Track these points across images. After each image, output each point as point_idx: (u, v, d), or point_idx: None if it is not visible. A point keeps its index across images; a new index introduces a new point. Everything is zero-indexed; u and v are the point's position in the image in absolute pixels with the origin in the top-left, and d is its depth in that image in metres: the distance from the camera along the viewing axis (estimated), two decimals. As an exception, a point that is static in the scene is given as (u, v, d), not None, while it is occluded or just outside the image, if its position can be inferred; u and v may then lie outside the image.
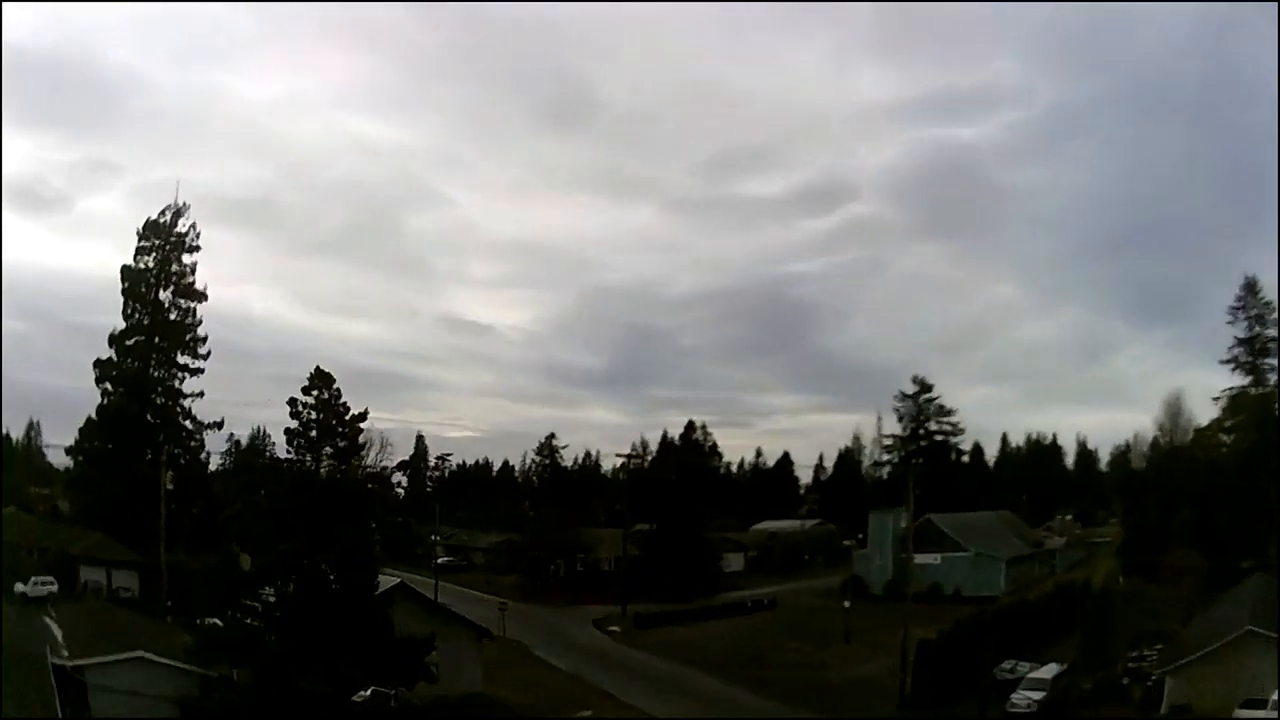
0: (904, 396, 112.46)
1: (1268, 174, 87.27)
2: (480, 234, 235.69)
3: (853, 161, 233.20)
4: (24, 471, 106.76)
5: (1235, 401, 73.35)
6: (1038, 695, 44.74)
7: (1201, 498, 67.03)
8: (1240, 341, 74.31)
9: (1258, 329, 73.66)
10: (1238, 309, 74.74)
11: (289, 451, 42.96)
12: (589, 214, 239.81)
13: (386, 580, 45.83)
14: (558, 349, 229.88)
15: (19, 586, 54.31)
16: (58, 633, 41.86)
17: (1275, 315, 73.22)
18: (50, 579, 55.88)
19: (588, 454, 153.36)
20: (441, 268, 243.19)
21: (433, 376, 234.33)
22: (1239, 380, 74.22)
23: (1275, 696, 36.93)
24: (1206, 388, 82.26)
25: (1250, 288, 74.47)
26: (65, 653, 38.21)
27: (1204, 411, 80.00)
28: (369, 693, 40.66)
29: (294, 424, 42.06)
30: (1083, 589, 66.12)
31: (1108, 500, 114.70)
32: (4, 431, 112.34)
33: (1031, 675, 47.18)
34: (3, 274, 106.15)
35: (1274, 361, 72.74)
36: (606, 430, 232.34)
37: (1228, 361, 74.67)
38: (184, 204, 75.88)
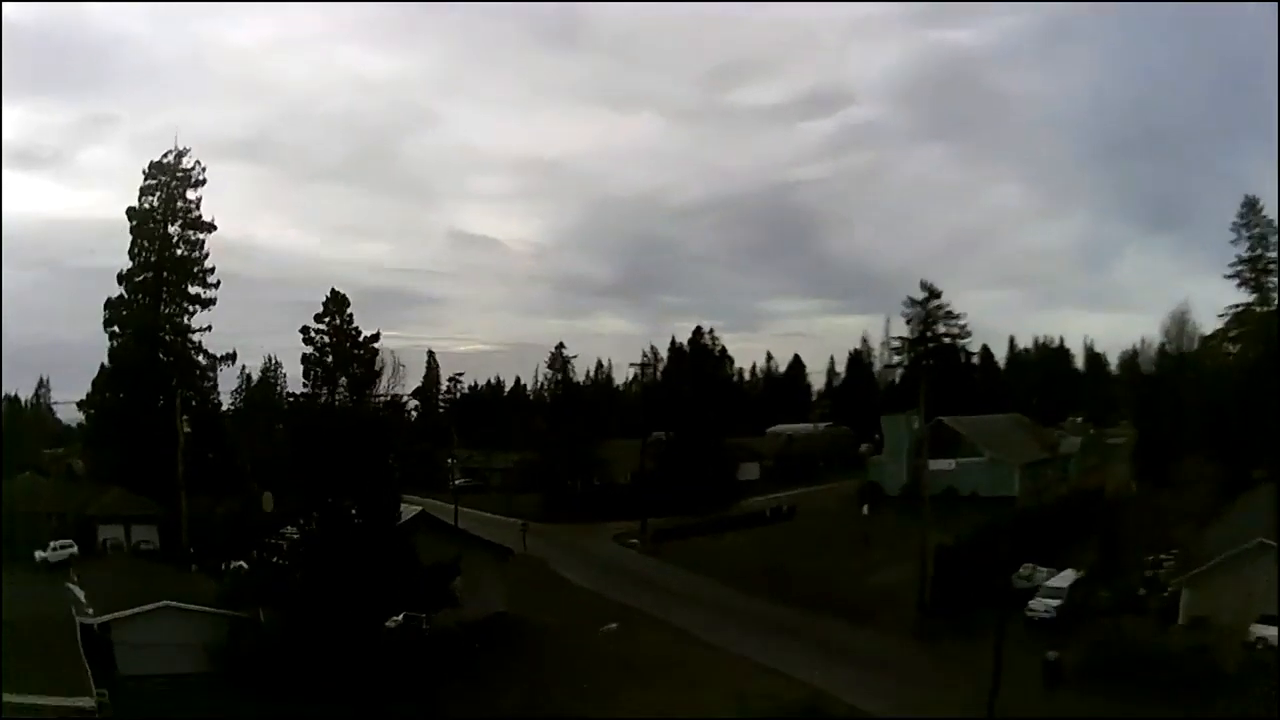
0: (912, 302, 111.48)
1: (1267, 82, 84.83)
2: (483, 152, 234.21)
3: (850, 67, 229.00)
4: (35, 433, 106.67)
5: (1240, 317, 72.89)
6: (1055, 603, 45.28)
7: (1212, 406, 66.95)
8: (1243, 260, 73.63)
9: (1260, 250, 72.69)
10: (1240, 226, 73.81)
11: (304, 382, 42.88)
12: (591, 127, 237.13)
13: (407, 510, 46.26)
14: (565, 260, 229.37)
15: (38, 553, 54.92)
16: (80, 595, 42.43)
17: (1276, 236, 72.28)
18: (69, 541, 56.37)
19: (599, 364, 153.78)
20: (445, 187, 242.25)
21: (441, 293, 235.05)
22: (1244, 296, 74.02)
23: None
24: (1210, 294, 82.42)
25: (1251, 206, 73.53)
26: (90, 611, 38.71)
27: (1209, 321, 79.97)
28: (401, 618, 41.36)
29: (309, 350, 42.00)
30: (1097, 494, 66.69)
31: (1118, 404, 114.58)
32: (5, 393, 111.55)
33: (1049, 583, 47.67)
34: (2, 228, 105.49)
35: (1277, 280, 72.14)
36: (616, 340, 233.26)
37: (1232, 277, 74.14)
38: (186, 146, 75.19)
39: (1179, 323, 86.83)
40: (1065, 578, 48.05)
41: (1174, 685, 34.28)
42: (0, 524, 54.99)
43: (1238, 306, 74.71)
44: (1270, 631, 37.53)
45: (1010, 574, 49.67)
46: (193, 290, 73.96)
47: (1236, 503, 53.33)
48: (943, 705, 34.78)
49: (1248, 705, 32.73)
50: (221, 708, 34.96)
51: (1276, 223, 72.41)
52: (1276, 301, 73.05)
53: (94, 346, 73.82)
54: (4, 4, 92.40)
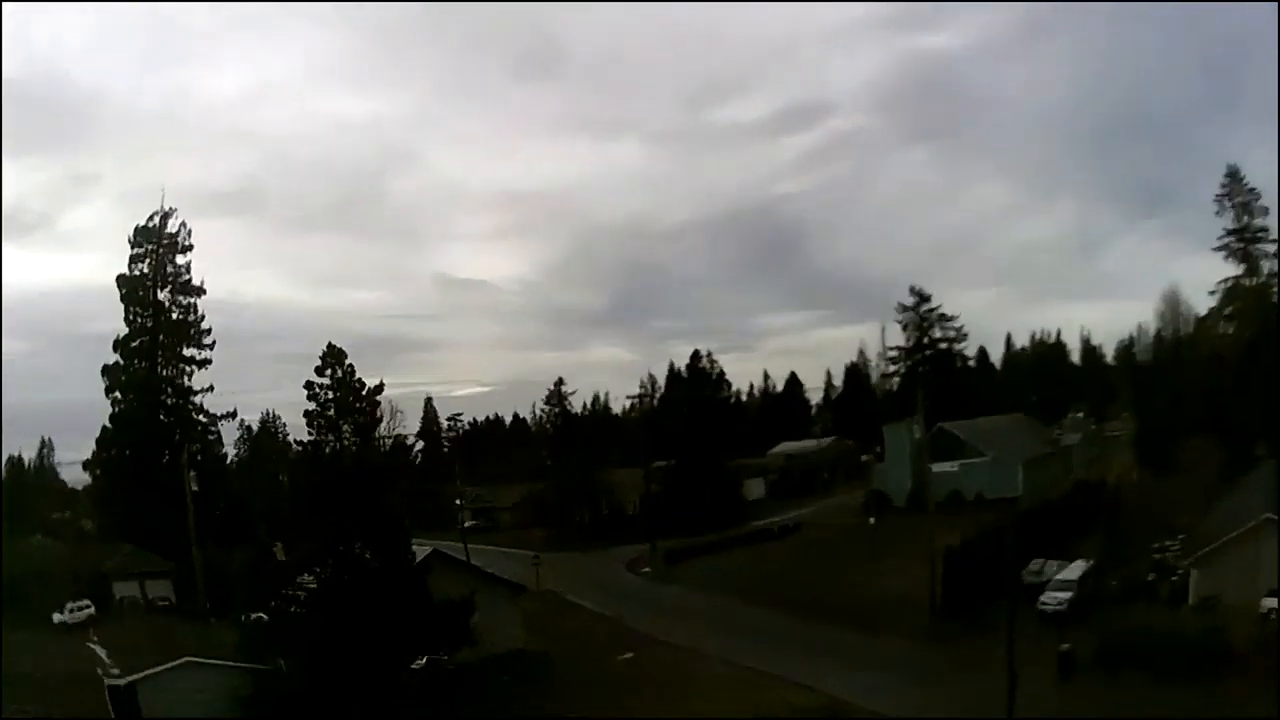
0: (904, 308, 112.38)
1: (1244, 58, 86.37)
2: (466, 191, 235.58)
3: (829, 78, 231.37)
4: (41, 495, 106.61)
5: (1231, 291, 73.42)
6: (1066, 595, 45.60)
7: (1210, 388, 67.42)
8: (1230, 231, 74.44)
9: (1246, 218, 73.45)
10: (1223, 198, 74.52)
11: (309, 433, 43.39)
12: (573, 158, 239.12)
13: (420, 550, 46.64)
14: (556, 293, 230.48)
15: (56, 616, 54.96)
16: (103, 655, 42.56)
17: (1262, 203, 73.24)
18: (86, 602, 56.33)
19: (596, 397, 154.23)
20: (431, 229, 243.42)
21: (434, 337, 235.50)
22: (1232, 269, 74.52)
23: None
24: (1203, 274, 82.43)
25: (1234, 176, 74.31)
26: (116, 672, 38.94)
27: (1202, 301, 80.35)
28: (424, 661, 41.60)
29: (311, 406, 42.51)
30: (1100, 485, 67.11)
31: (1117, 394, 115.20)
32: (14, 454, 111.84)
33: (1059, 576, 47.98)
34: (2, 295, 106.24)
35: (1266, 249, 72.67)
36: (613, 368, 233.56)
37: (1220, 249, 74.66)
38: (171, 208, 76.33)
39: (1172, 305, 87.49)
40: (1074, 569, 48.39)
41: (1187, 666, 34.50)
42: (1, 583, 54.94)
43: (1228, 280, 75.14)
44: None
45: (1019, 570, 50.15)
46: (188, 352, 75.10)
47: (1239, 482, 53.80)
48: (960, 704, 35.02)
49: (1261, 680, 32.78)
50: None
51: (1266, 196, 73.13)
52: (1266, 271, 73.51)
53: (93, 408, 74.62)
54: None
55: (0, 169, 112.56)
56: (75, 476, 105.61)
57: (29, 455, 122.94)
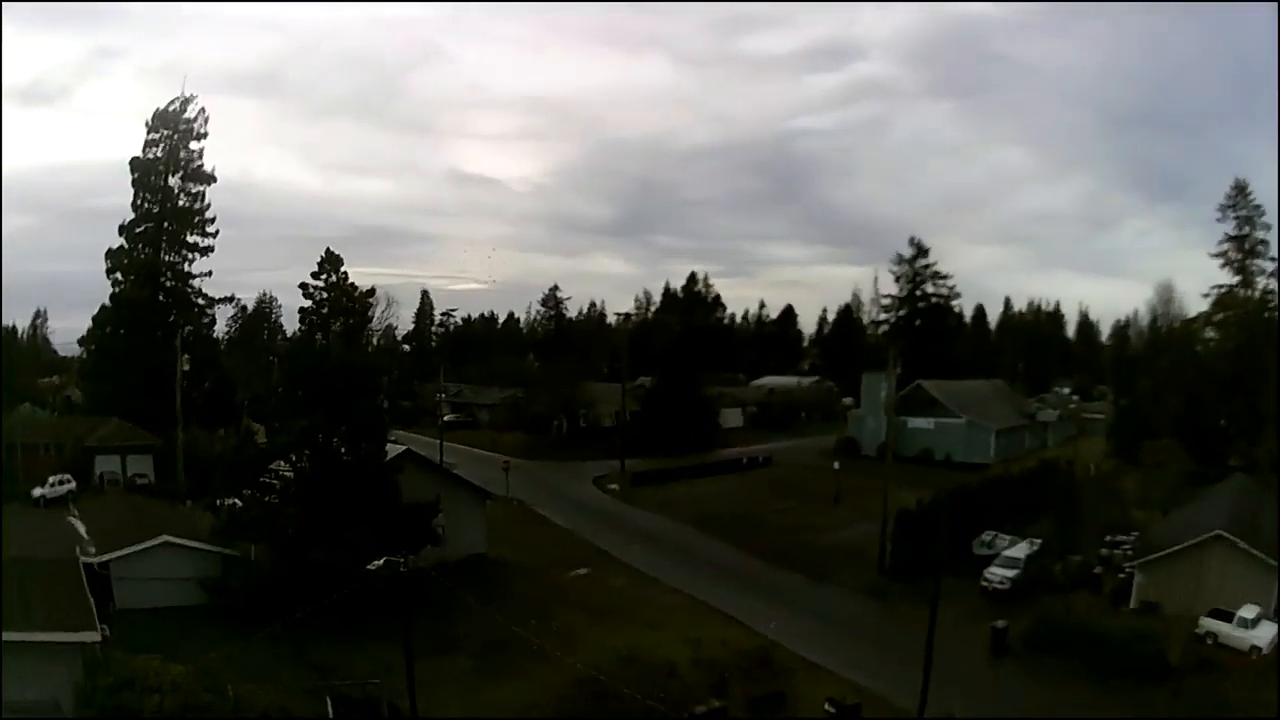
0: (900, 259, 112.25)
1: (1268, 68, 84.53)
2: (487, 90, 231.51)
3: (862, 22, 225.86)
4: (32, 363, 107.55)
5: (1222, 300, 73.58)
6: (1011, 573, 46.52)
7: (1190, 391, 67.98)
8: (1230, 239, 74.07)
9: (1247, 229, 73.19)
10: (1228, 208, 74.25)
11: (300, 329, 44.03)
12: (598, 69, 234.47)
13: (393, 448, 47.52)
14: (565, 199, 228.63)
15: (36, 490, 55.93)
16: (82, 530, 43.64)
17: (1265, 219, 73.03)
18: (68, 476, 57.41)
19: (593, 305, 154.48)
20: (448, 124, 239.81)
21: (440, 230, 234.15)
22: (1228, 277, 74.56)
23: (1241, 613, 38.10)
24: (1204, 269, 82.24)
25: (1241, 189, 74.05)
26: (93, 549, 39.98)
27: (1195, 302, 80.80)
28: (381, 562, 42.83)
29: (306, 304, 43.11)
30: (1066, 467, 68.05)
31: (1104, 375, 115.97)
32: (7, 324, 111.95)
33: (1005, 553, 48.94)
34: (2, 167, 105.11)
35: (1263, 264, 72.66)
36: (613, 280, 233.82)
37: (1218, 256, 74.57)
38: (191, 94, 76.89)
39: (1164, 299, 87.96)
40: (1022, 549, 49.23)
41: (1117, 668, 35.55)
42: (0, 459, 55.97)
43: (1222, 288, 75.36)
44: (1220, 626, 38.30)
45: (969, 540, 51.38)
46: (192, 239, 76.30)
47: (1204, 491, 54.43)
48: (892, 661, 36.40)
49: (1188, 699, 33.57)
50: (213, 639, 36.31)
51: (1275, 211, 73.11)
52: (1261, 287, 73.58)
53: (92, 282, 75.73)
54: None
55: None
56: (67, 347, 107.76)
57: (23, 325, 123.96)
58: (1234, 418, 61.35)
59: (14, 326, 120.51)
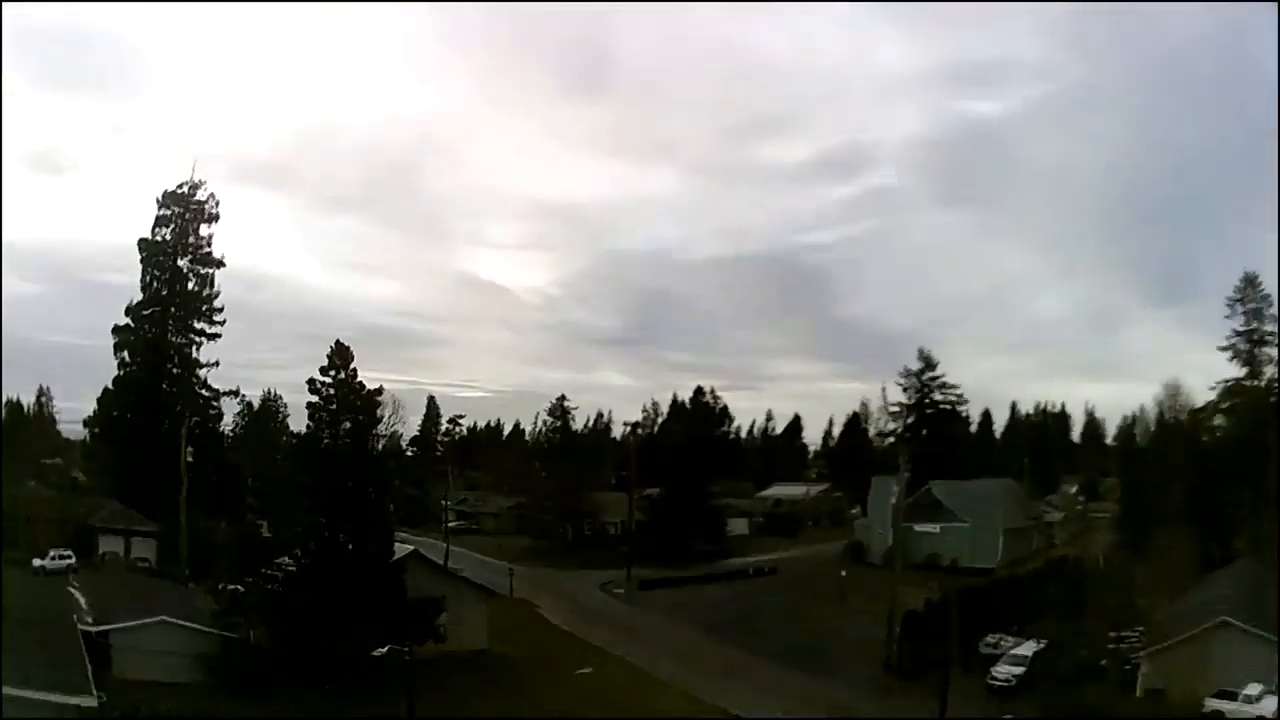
0: (908, 372, 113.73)
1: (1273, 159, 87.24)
2: (499, 196, 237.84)
3: (872, 130, 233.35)
4: (36, 442, 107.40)
5: (1230, 390, 74.13)
6: (1017, 670, 46.53)
7: (1197, 479, 67.97)
8: (1239, 333, 74.91)
9: (1255, 323, 74.25)
10: (1236, 301, 75.26)
11: (309, 425, 45.07)
12: (608, 178, 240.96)
13: (401, 548, 48.21)
14: (573, 311, 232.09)
15: (36, 561, 56.45)
16: (82, 600, 44.09)
17: (1273, 310, 73.64)
18: (68, 551, 57.84)
19: (599, 416, 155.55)
20: (460, 228, 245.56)
21: (448, 336, 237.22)
22: (1236, 370, 75.02)
23: (1247, 690, 38.39)
24: (1211, 366, 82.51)
25: (1250, 281, 75.02)
26: (90, 619, 40.46)
27: (1204, 394, 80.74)
28: (385, 650, 42.99)
29: (314, 399, 44.27)
30: (1073, 566, 67.75)
31: (1111, 474, 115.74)
32: (11, 396, 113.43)
33: (1013, 651, 48.96)
34: (2, 232, 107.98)
35: (1270, 352, 73.26)
36: (620, 392, 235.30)
37: (1226, 349, 75.37)
38: (201, 179, 77.66)
39: (1172, 394, 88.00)
40: (1028, 647, 49.32)
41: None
42: (1, 526, 56.39)
43: (1230, 380, 75.70)
44: (1225, 705, 38.65)
45: (975, 641, 51.15)
46: (199, 325, 76.30)
47: (1211, 577, 54.49)
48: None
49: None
50: (210, 710, 36.42)
51: (1275, 296, 73.66)
52: (1268, 376, 73.96)
53: (95, 356, 76.18)
54: (32, 2, 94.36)
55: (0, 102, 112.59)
56: (71, 426, 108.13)
57: (27, 400, 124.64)
58: (1240, 502, 61.26)
59: (19, 400, 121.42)
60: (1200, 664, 41.05)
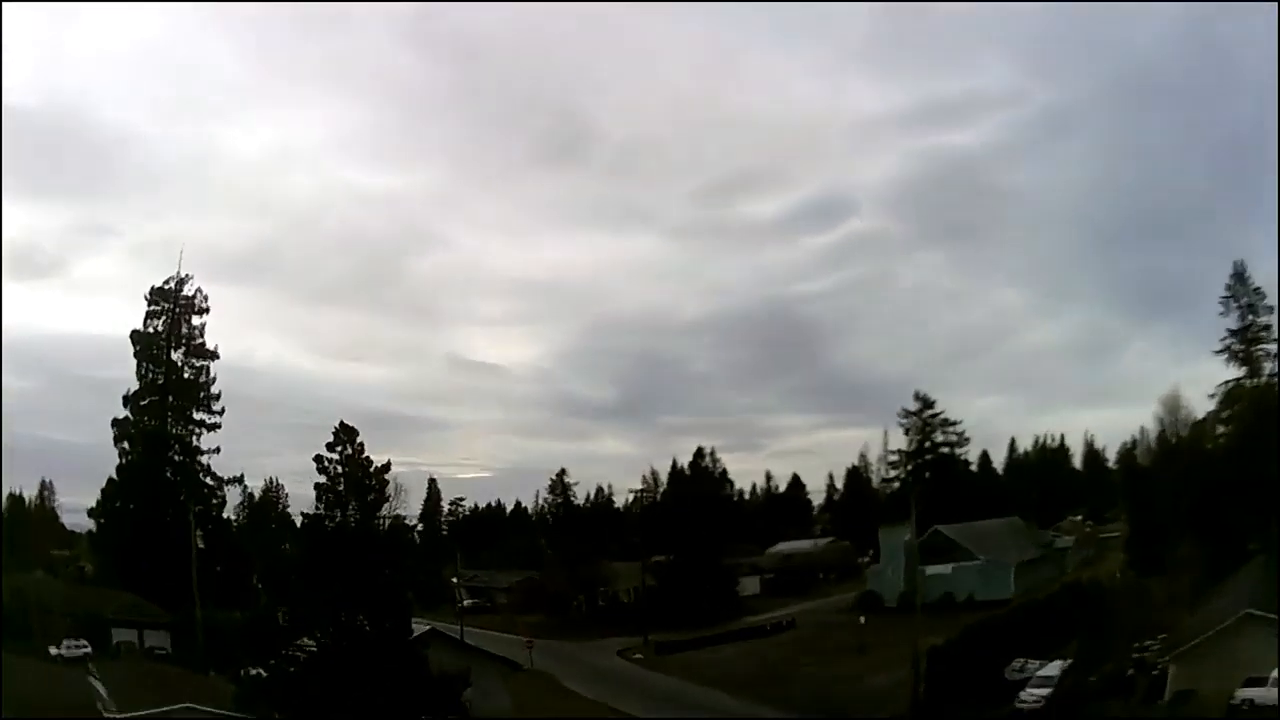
0: (907, 413, 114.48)
1: (1259, 158, 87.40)
2: (483, 273, 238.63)
3: (850, 176, 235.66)
4: (42, 534, 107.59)
5: (1230, 394, 73.51)
6: (1044, 692, 46.40)
7: (1204, 487, 67.82)
8: (1233, 332, 73.79)
9: (1250, 318, 72.96)
10: (1228, 298, 74.06)
11: (317, 506, 45.26)
12: (591, 247, 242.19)
13: (418, 626, 48.11)
14: (567, 383, 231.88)
15: (53, 649, 56.00)
16: (102, 690, 43.71)
17: (1266, 301, 72.41)
18: (83, 641, 57.38)
19: (600, 489, 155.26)
20: (447, 309, 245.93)
21: (443, 418, 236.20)
22: (1234, 372, 73.97)
23: (1275, 674, 38.43)
24: (1209, 379, 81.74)
25: (1239, 276, 73.96)
26: (114, 708, 40.11)
27: (1204, 405, 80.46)
28: None
29: (321, 479, 44.55)
30: (1089, 587, 67.73)
31: (1116, 498, 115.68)
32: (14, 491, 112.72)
33: (1039, 673, 48.83)
34: (2, 332, 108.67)
35: (1269, 348, 72.08)
36: (619, 462, 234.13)
37: (1221, 352, 74.54)
38: (187, 274, 78.85)
39: (1171, 409, 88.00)
40: (1053, 667, 49.20)
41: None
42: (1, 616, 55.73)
43: (1228, 383, 74.84)
44: (1255, 693, 38.50)
45: (1001, 668, 51.02)
46: (198, 415, 76.70)
47: (1227, 580, 54.53)
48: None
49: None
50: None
51: (1271, 295, 72.78)
52: (1267, 372, 73.14)
53: (95, 452, 75.86)
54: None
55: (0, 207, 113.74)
56: (74, 519, 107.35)
57: (30, 494, 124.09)
58: (1249, 503, 61.04)
59: (22, 495, 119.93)
60: (1227, 660, 40.80)
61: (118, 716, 39.01)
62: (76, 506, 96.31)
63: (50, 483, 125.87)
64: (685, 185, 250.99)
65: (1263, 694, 38.31)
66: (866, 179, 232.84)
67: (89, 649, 56.89)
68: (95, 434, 76.01)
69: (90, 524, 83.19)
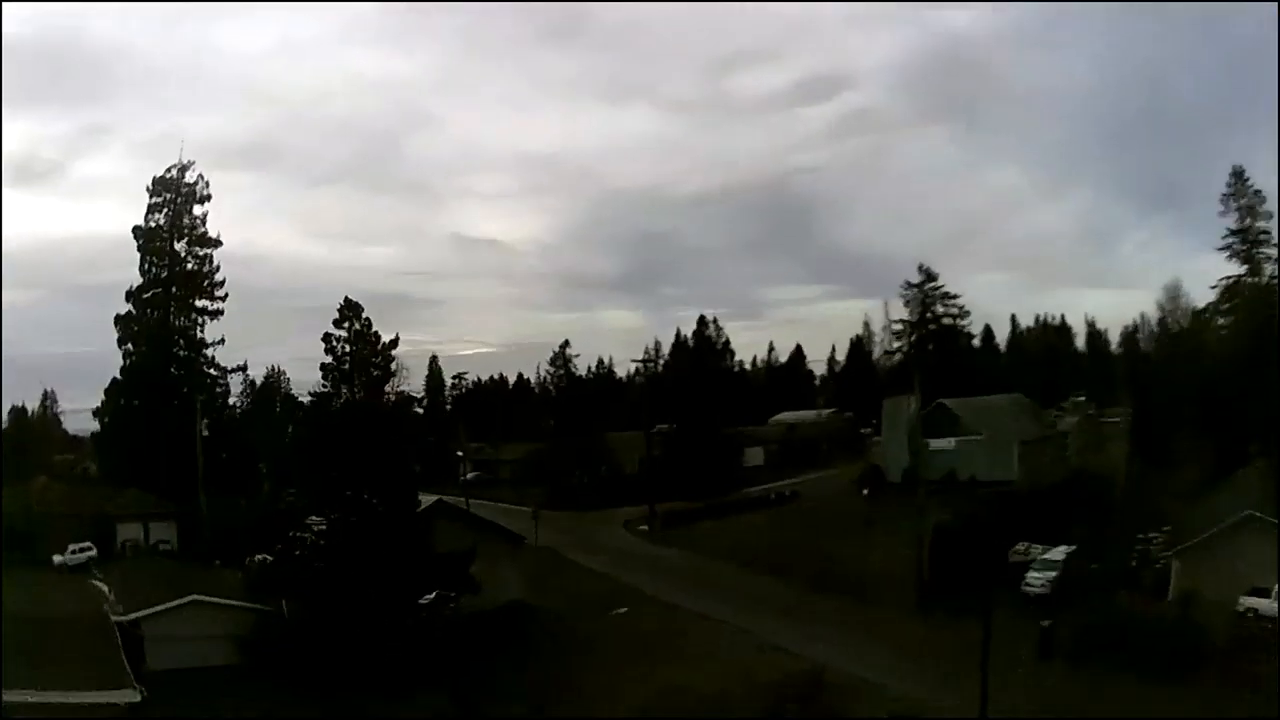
0: (909, 285, 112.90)
1: (1268, 63, 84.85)
2: (484, 151, 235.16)
3: (850, 52, 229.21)
4: (44, 440, 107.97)
5: (1231, 289, 73.35)
6: (1050, 575, 46.75)
7: (1206, 383, 67.78)
8: (1233, 232, 73.67)
9: (1249, 220, 73.00)
10: (1229, 197, 73.87)
11: (323, 384, 44.55)
12: (590, 122, 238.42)
13: (424, 499, 47.98)
14: (569, 257, 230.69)
15: (56, 557, 56.10)
16: (107, 592, 43.77)
17: (1266, 207, 72.37)
18: (88, 544, 57.33)
19: (600, 361, 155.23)
20: (447, 187, 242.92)
21: (445, 294, 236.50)
22: (1235, 269, 73.97)
23: (1277, 587, 38.69)
24: (1209, 269, 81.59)
25: (1239, 176, 73.52)
26: (121, 608, 40.10)
27: (1204, 296, 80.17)
28: (433, 596, 43.03)
29: (327, 359, 43.72)
30: (1092, 472, 68.06)
31: (1118, 382, 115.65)
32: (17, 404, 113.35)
33: (1043, 556, 49.15)
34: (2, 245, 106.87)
35: (1269, 252, 72.29)
36: (621, 333, 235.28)
37: (1223, 249, 74.42)
38: (189, 160, 76.80)
39: (1173, 298, 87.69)
40: (1059, 552, 49.41)
41: (1165, 658, 35.50)
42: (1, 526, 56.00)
43: (1229, 278, 74.85)
44: (1260, 602, 38.94)
45: (1006, 550, 51.38)
46: (201, 304, 75.88)
47: (1229, 479, 54.58)
48: (936, 673, 36.32)
49: (1235, 676, 33.95)
50: (250, 700, 36.19)
51: (1271, 199, 72.33)
52: (1268, 274, 73.12)
53: (97, 360, 75.68)
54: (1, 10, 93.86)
55: None
56: (77, 425, 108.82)
57: (32, 405, 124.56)
58: (1250, 404, 61.09)
59: (24, 406, 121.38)
60: (1229, 561, 41.17)
61: (124, 617, 38.85)
62: (80, 415, 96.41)
63: (52, 391, 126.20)
64: (683, 61, 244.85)
65: (1266, 604, 38.76)
66: (865, 56, 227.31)
67: (94, 551, 56.94)
68: (99, 339, 75.08)
69: (95, 427, 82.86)
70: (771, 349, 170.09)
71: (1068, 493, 63.49)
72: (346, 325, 44.00)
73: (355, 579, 39.71)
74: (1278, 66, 73.84)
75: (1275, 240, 72.73)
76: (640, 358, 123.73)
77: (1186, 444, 66.51)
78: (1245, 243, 72.85)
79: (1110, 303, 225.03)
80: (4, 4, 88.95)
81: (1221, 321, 75.50)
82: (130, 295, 74.71)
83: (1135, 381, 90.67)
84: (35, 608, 37.86)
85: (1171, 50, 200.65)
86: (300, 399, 66.06)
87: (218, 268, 76.55)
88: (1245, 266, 73.19)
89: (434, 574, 42.74)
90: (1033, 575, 47.27)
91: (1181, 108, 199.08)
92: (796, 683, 37.00)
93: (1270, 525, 40.28)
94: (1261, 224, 72.61)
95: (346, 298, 44.42)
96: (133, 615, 39.23)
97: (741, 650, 42.15)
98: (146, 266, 75.26)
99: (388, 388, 46.17)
